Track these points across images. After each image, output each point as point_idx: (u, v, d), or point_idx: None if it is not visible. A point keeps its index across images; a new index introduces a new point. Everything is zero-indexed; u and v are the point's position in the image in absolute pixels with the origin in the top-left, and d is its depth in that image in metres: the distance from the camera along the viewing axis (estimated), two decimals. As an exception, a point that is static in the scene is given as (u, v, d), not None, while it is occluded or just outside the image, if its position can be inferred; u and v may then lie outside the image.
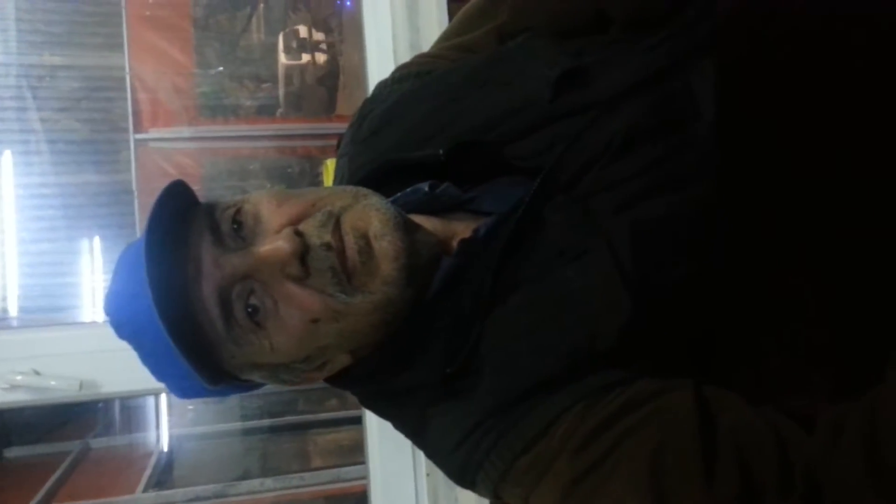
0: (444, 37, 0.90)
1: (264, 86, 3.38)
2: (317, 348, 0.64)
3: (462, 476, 0.64)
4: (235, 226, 0.62)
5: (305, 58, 3.32)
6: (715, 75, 0.64)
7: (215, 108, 3.26)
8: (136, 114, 2.96)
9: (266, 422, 2.74)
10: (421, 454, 1.36)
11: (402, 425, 0.71)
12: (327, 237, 0.60)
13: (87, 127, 2.96)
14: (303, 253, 0.59)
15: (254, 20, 3.41)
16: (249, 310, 0.61)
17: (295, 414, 2.81)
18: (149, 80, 3.02)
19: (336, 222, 0.61)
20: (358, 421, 1.52)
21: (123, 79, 2.95)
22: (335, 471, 2.13)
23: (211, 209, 0.64)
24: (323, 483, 2.12)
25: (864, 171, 0.65)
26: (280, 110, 3.29)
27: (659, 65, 0.66)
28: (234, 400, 2.82)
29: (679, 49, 0.67)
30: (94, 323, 2.00)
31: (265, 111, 3.29)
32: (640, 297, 0.59)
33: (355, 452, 2.54)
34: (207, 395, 0.68)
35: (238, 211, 0.63)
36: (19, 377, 1.23)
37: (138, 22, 3.00)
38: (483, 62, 0.77)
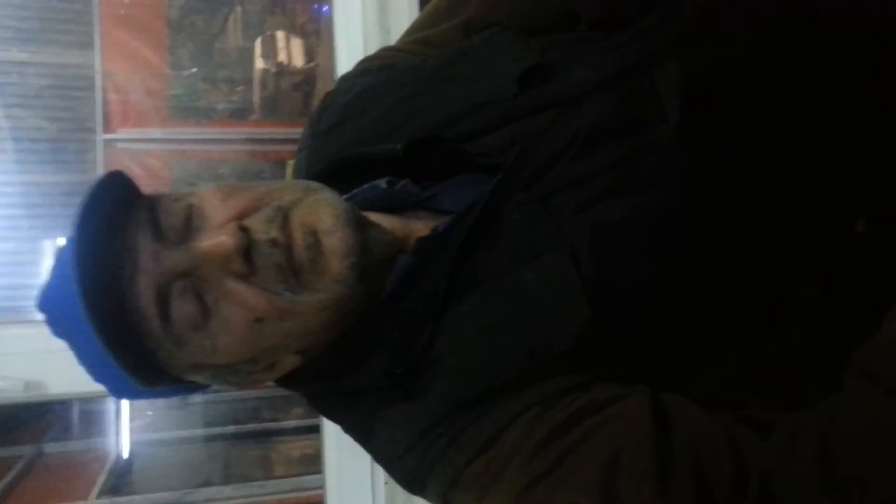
0: (411, 30, 0.90)
1: (238, 89, 3.36)
2: (262, 349, 0.61)
3: (411, 482, 0.62)
4: (178, 220, 0.60)
5: (282, 62, 3.30)
6: (680, 78, 0.63)
7: (187, 110, 3.23)
8: (106, 114, 2.92)
9: (230, 428, 2.70)
10: (377, 462, 1.33)
11: (350, 428, 0.69)
12: (274, 233, 0.58)
13: (55, 125, 2.92)
14: (247, 248, 0.57)
15: (230, 23, 3.39)
16: (189, 307, 0.58)
17: (259, 421, 2.77)
18: (120, 80, 2.98)
19: (284, 217, 0.59)
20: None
21: (94, 78, 2.92)
22: (295, 479, 2.10)
23: (153, 202, 0.61)
24: (283, 492, 2.08)
25: (825, 172, 0.64)
26: (254, 115, 3.27)
27: (625, 64, 0.66)
28: (197, 406, 2.77)
29: (645, 49, 0.66)
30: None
31: (238, 115, 3.27)
32: (599, 300, 0.58)
33: (319, 461, 2.51)
34: (147, 397, 0.65)
35: (184, 205, 0.60)
36: (-40, 376, 1.19)
37: (111, 21, 2.98)
38: (448, 56, 0.76)
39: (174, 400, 2.73)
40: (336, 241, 0.59)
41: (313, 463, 2.61)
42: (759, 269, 0.64)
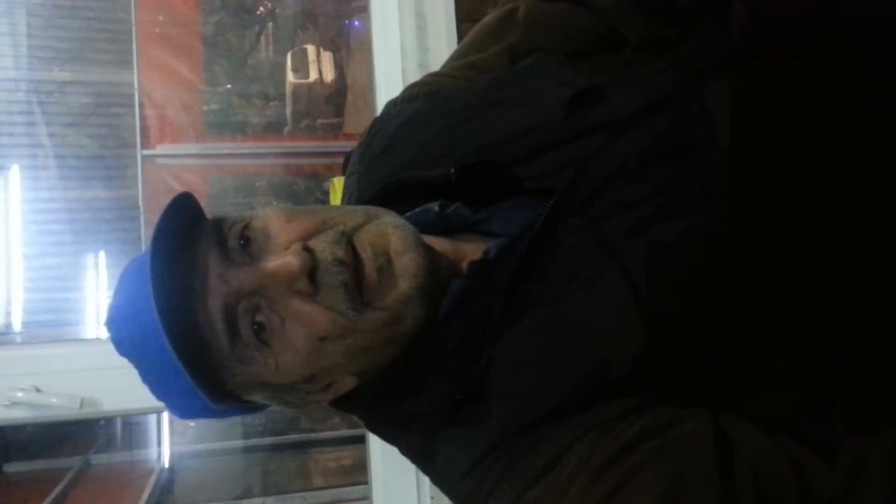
0: (455, 56, 0.90)
1: (272, 104, 3.40)
2: (323, 368, 0.62)
3: None
4: (243, 241, 0.61)
5: (313, 76, 3.33)
6: (729, 99, 0.63)
7: (223, 126, 3.28)
8: (144, 130, 2.97)
9: (268, 440, 2.72)
10: (425, 477, 1.34)
11: (407, 451, 0.70)
12: (340, 253, 0.59)
13: (95, 142, 2.97)
14: (312, 269, 0.58)
15: (262, 38, 3.43)
16: (255, 327, 0.59)
17: (297, 432, 2.79)
18: (157, 97, 3.03)
19: (348, 241, 0.60)
20: (361, 440, 1.50)
21: (132, 95, 2.97)
22: (336, 490, 2.11)
23: (219, 224, 0.63)
24: (325, 503, 2.10)
25: (879, 197, 0.64)
26: (287, 128, 3.30)
27: (673, 86, 0.66)
28: (236, 417, 2.79)
29: (693, 71, 0.66)
30: (96, 339, 1.99)
31: (272, 129, 3.30)
32: (655, 324, 0.57)
33: (357, 472, 2.52)
34: (208, 416, 0.66)
35: (246, 226, 0.62)
36: (20, 394, 1.22)
37: (148, 39, 3.03)
38: (494, 82, 0.77)
39: (213, 411, 2.76)
40: (408, 261, 0.60)
41: (352, 474, 2.63)
42: (812, 288, 0.63)
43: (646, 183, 0.62)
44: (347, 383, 0.66)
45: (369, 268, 0.59)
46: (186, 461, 2.69)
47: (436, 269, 0.63)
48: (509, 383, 0.60)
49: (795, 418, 0.61)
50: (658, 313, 0.58)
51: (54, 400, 1.22)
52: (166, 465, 2.64)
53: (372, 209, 0.66)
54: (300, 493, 2.15)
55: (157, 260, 0.57)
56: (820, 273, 0.62)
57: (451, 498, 0.66)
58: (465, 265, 0.67)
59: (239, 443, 2.71)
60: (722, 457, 0.53)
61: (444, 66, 0.90)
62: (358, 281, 0.59)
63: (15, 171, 2.73)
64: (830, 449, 0.54)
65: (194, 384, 0.58)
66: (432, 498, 1.34)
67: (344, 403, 0.69)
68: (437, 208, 0.70)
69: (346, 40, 3.45)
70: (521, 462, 0.58)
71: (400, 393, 0.64)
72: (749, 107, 0.63)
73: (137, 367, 0.63)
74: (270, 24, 3.38)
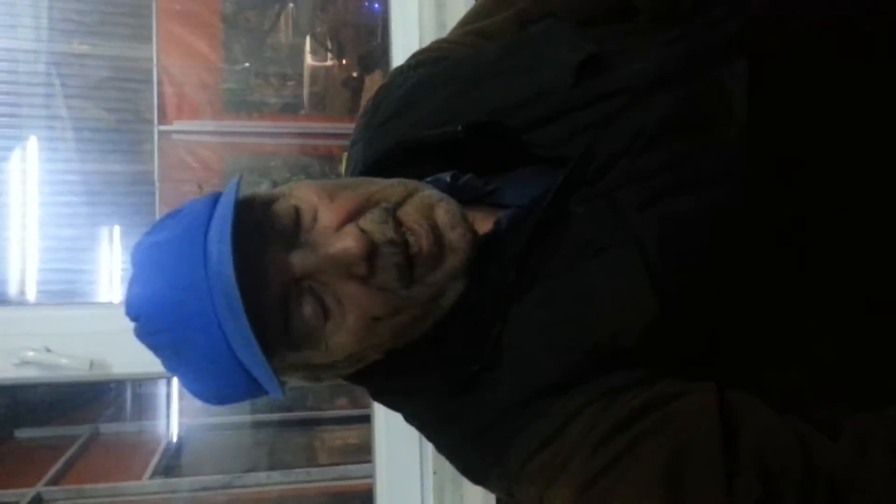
0: (464, 22, 0.89)
1: (289, 84, 3.40)
2: (369, 346, 0.62)
3: (474, 473, 0.63)
4: (286, 222, 0.60)
5: (331, 59, 3.33)
6: (747, 76, 0.62)
7: (240, 104, 3.28)
8: (162, 106, 2.99)
9: (276, 416, 2.74)
10: (428, 452, 1.35)
11: (413, 419, 0.70)
12: (391, 234, 0.59)
13: (113, 116, 2.99)
14: (370, 253, 0.58)
15: (282, 19, 3.43)
16: (311, 311, 0.58)
17: (304, 409, 2.81)
18: (176, 73, 3.04)
19: (394, 218, 0.60)
20: (366, 419, 1.51)
21: (151, 70, 2.98)
22: (342, 468, 2.13)
23: (249, 205, 0.61)
24: (329, 480, 2.11)
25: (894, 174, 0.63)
26: (304, 110, 3.30)
27: (686, 58, 0.65)
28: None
29: (707, 45, 0.65)
30: (108, 304, 2.01)
31: (289, 109, 3.31)
32: (666, 296, 0.57)
33: (362, 451, 2.54)
34: (248, 398, 0.64)
35: (287, 206, 0.60)
36: (31, 353, 1.23)
37: (168, 15, 3.04)
38: (503, 48, 0.76)
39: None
40: (458, 235, 0.60)
41: (356, 453, 2.64)
42: (823, 270, 0.63)
43: (661, 155, 0.61)
44: (375, 358, 0.65)
45: (426, 242, 0.59)
46: (194, 433, 2.72)
47: (476, 241, 0.62)
48: (520, 353, 0.60)
49: (805, 400, 0.61)
50: (668, 286, 0.58)
51: (64, 360, 1.23)
52: (174, 437, 2.66)
53: (409, 182, 0.65)
54: (305, 469, 2.16)
55: (227, 248, 0.54)
56: (833, 253, 0.62)
57: (455, 465, 0.66)
58: (478, 236, 0.66)
59: (247, 417, 2.74)
60: (726, 430, 0.53)
61: (451, 33, 0.89)
62: (409, 258, 0.59)
63: (33, 142, 2.76)
64: (837, 428, 0.54)
65: (268, 371, 0.56)
66: (434, 473, 1.34)
67: (358, 377, 0.68)
68: (448, 179, 0.69)
69: (368, 23, 3.44)
70: (527, 430, 0.58)
71: (417, 366, 0.65)
72: (766, 82, 0.62)
73: (174, 357, 0.61)
74: (290, 5, 3.37)
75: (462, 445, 0.63)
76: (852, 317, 0.62)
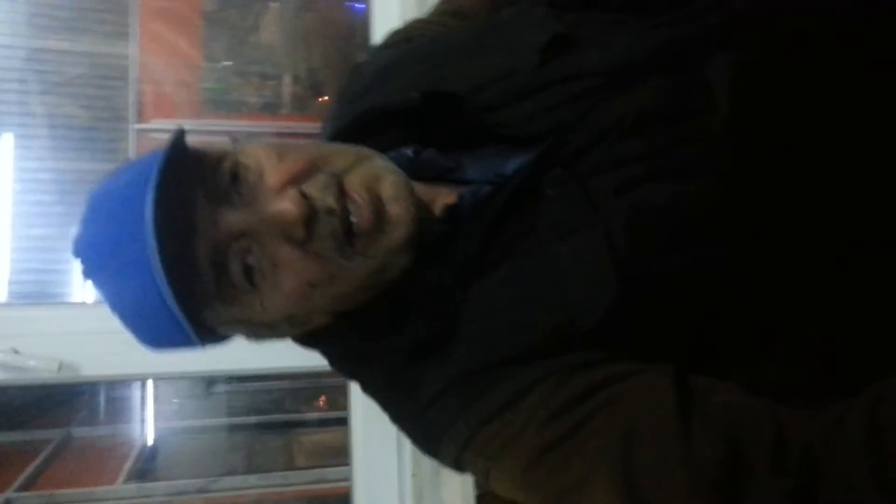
0: (441, 3, 0.91)
1: (270, 83, 3.38)
2: (306, 310, 0.63)
3: (426, 441, 0.63)
4: (233, 179, 0.60)
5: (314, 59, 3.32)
6: (730, 69, 0.62)
7: (219, 103, 3.26)
8: (140, 104, 2.95)
9: (252, 419, 2.71)
10: (407, 454, 1.33)
11: (369, 387, 0.70)
12: (331, 201, 0.58)
13: (89, 114, 2.95)
14: (309, 218, 0.58)
15: (264, 18, 3.41)
16: (245, 269, 0.59)
17: (282, 412, 2.79)
18: (155, 71, 3.01)
19: (338, 184, 0.59)
20: (344, 422, 1.49)
21: (128, 68, 2.95)
22: (319, 471, 2.11)
23: (199, 158, 0.61)
24: (306, 483, 2.10)
25: (876, 175, 0.63)
26: (284, 109, 3.29)
27: (665, 48, 0.65)
28: (221, 395, 2.79)
29: (689, 36, 0.65)
30: (79, 304, 1.97)
31: (269, 108, 3.29)
32: (629, 283, 0.58)
33: (340, 454, 2.51)
34: (182, 347, 0.65)
35: (235, 163, 0.60)
36: (-2, 354, 1.20)
37: (148, 12, 3.01)
38: (475, 28, 0.76)
39: (198, 388, 2.76)
40: (401, 209, 0.60)
41: (334, 455, 2.63)
42: (802, 266, 0.63)
43: (639, 143, 0.61)
44: (322, 321, 0.66)
45: (365, 214, 0.59)
46: (169, 437, 2.69)
47: (420, 216, 0.62)
48: (479, 326, 0.60)
49: (779, 398, 0.61)
50: (634, 272, 0.58)
51: (32, 362, 1.21)
52: (149, 441, 2.63)
53: (363, 150, 0.65)
54: (282, 473, 2.14)
55: (155, 200, 0.55)
56: (810, 249, 0.62)
57: (408, 436, 0.66)
58: (437, 210, 0.67)
59: (223, 420, 2.71)
60: (684, 401, 0.53)
61: (429, 14, 0.91)
62: (348, 228, 0.59)
63: (6, 139, 2.71)
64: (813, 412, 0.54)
65: (183, 323, 0.57)
66: (414, 475, 1.33)
67: (308, 339, 0.69)
68: (410, 153, 0.69)
69: (351, 23, 3.43)
70: (479, 400, 0.58)
71: (370, 331, 0.65)
72: (749, 77, 0.62)
73: (112, 296, 0.62)
74: (272, 3, 3.36)
75: (414, 415, 0.63)
76: (837, 313, 0.63)
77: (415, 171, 0.68)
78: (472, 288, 0.61)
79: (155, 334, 0.62)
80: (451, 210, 0.66)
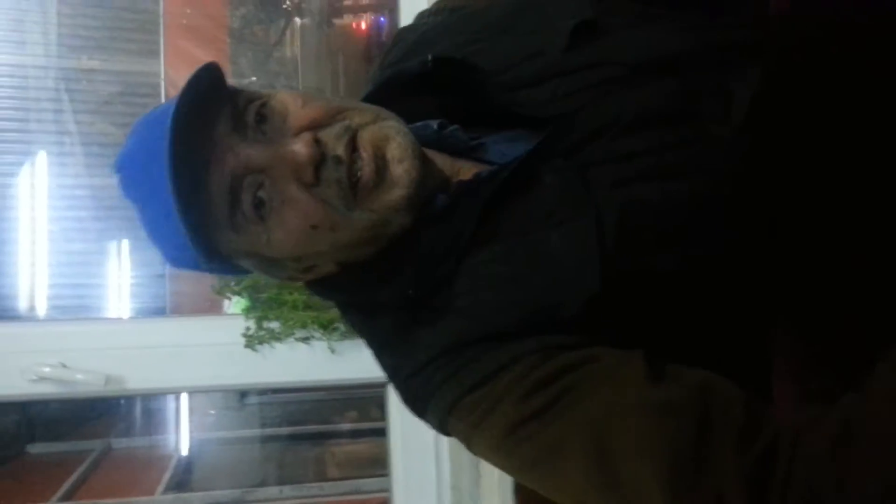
0: None
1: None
2: (309, 252, 0.66)
3: (414, 403, 0.66)
4: (258, 118, 0.63)
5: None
6: (758, 84, 0.63)
7: (246, 118, 3.29)
8: (170, 120, 2.99)
9: (285, 430, 2.73)
10: (445, 466, 1.34)
11: (370, 341, 0.72)
12: (340, 150, 0.61)
13: (121, 131, 3.00)
14: (318, 162, 0.61)
15: (288, 34, 3.46)
16: (256, 202, 0.62)
17: (315, 423, 2.80)
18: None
19: (352, 137, 0.62)
20: (378, 433, 1.51)
21: (158, 85, 3.00)
22: (354, 482, 2.12)
23: (235, 95, 0.64)
24: (341, 494, 2.11)
25: (882, 181, 0.64)
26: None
27: (693, 49, 0.66)
28: (254, 407, 2.82)
29: (715, 44, 0.66)
30: (121, 319, 2.01)
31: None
32: (613, 276, 0.59)
33: (373, 465, 2.53)
34: (197, 269, 0.70)
35: (263, 104, 0.64)
36: (47, 369, 1.23)
37: (175, 30, 3.05)
38: (513, 6, 0.77)
39: (232, 400, 2.78)
40: (402, 170, 0.62)
41: (367, 466, 2.64)
42: (797, 268, 0.64)
43: (641, 139, 0.63)
44: (328, 269, 0.69)
45: (368, 168, 0.62)
46: (204, 448, 2.71)
47: (427, 182, 0.65)
48: (466, 300, 0.63)
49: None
50: (619, 268, 0.60)
51: (80, 376, 1.24)
52: (185, 452, 2.66)
53: (383, 111, 0.67)
54: (318, 483, 2.15)
55: (178, 121, 0.59)
56: (807, 256, 0.63)
57: (399, 394, 0.69)
58: (454, 184, 0.69)
59: (256, 432, 2.73)
60: (657, 377, 0.55)
61: None
62: (353, 180, 0.62)
63: (42, 158, 2.76)
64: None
65: (191, 241, 0.61)
66: (452, 488, 1.34)
67: (320, 288, 0.73)
68: (435, 126, 0.71)
69: (377, 38, 3.46)
70: (463, 371, 0.61)
71: (369, 283, 0.68)
72: (773, 91, 0.63)
73: (140, 211, 0.66)
74: (297, 19, 3.39)
75: (407, 375, 0.66)
76: (830, 319, 0.65)
77: (439, 143, 0.71)
78: (466, 261, 0.64)
79: (174, 250, 0.66)
80: (461, 185, 0.68)
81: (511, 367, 0.59)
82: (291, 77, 3.47)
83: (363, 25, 3.20)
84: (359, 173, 0.62)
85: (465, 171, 0.70)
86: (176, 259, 0.68)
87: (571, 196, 0.62)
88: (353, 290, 0.70)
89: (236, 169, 0.62)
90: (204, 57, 3.11)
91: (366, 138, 0.63)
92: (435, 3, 0.86)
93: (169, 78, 3.00)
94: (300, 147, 0.60)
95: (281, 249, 0.65)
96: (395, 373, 0.68)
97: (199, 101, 0.61)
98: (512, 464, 0.61)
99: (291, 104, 0.64)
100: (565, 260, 0.61)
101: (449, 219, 0.65)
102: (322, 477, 2.54)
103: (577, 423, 0.55)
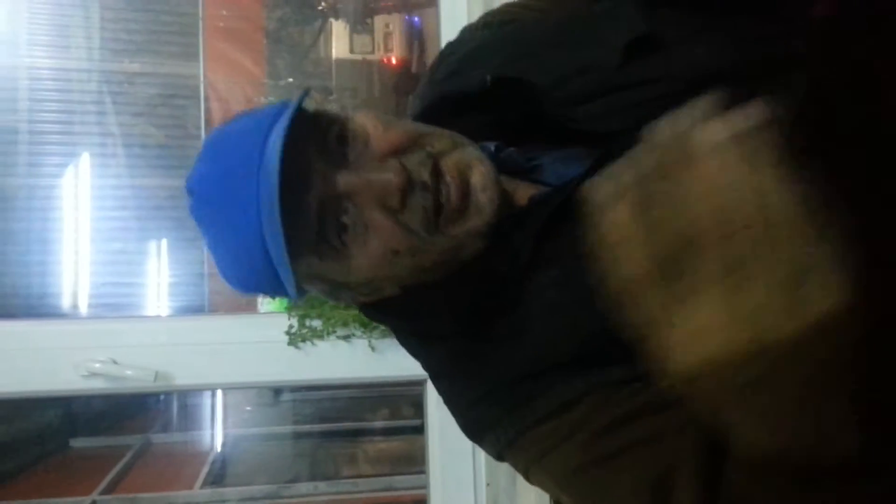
0: None
1: (331, 98, 3.45)
2: (386, 276, 0.66)
3: (472, 433, 0.66)
4: (340, 140, 0.63)
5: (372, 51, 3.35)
6: (803, 92, 0.62)
7: (283, 119, 3.32)
8: (209, 121, 3.05)
9: (318, 426, 2.76)
10: (481, 463, 1.36)
11: (427, 367, 0.72)
12: (426, 177, 0.62)
13: (162, 132, 3.05)
14: (406, 189, 0.61)
15: (323, 34, 3.49)
16: (339, 227, 0.62)
17: (349, 420, 2.83)
18: (222, 90, 3.10)
19: (434, 164, 0.63)
20: (412, 430, 1.52)
21: (198, 87, 3.05)
22: (389, 479, 2.14)
23: (316, 118, 0.64)
24: (376, 490, 2.13)
25: None
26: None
27: (745, 58, 0.65)
28: (287, 404, 2.85)
29: (772, 49, 0.65)
30: (166, 317, 2.05)
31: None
32: None
33: (405, 462, 2.55)
34: (260, 293, 0.71)
35: (344, 126, 0.64)
36: (98, 365, 1.27)
37: (214, 32, 3.09)
38: (564, 20, 0.77)
39: (266, 397, 2.82)
40: (486, 199, 0.63)
41: (399, 464, 2.66)
42: None
43: None
44: (392, 291, 0.69)
45: (455, 195, 0.62)
46: (240, 443, 2.76)
47: (504, 209, 0.65)
48: (527, 328, 0.63)
49: None
50: None
51: (130, 372, 1.27)
52: (220, 448, 2.70)
53: (457, 136, 0.67)
54: (352, 479, 2.18)
55: (278, 139, 0.58)
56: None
57: (455, 419, 0.69)
58: (515, 204, 0.69)
59: (289, 428, 2.76)
60: (713, 451, 0.54)
61: None
62: (437, 206, 0.62)
63: (85, 159, 2.82)
64: None
65: (278, 263, 0.60)
66: (488, 485, 1.35)
67: (374, 311, 0.72)
68: (493, 148, 0.71)
69: (409, 37, 3.48)
70: (527, 405, 0.61)
71: (429, 308, 0.68)
72: (816, 95, 0.62)
73: (213, 233, 0.65)
74: (332, 20, 3.41)
75: (462, 405, 0.66)
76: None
77: (496, 165, 0.70)
78: (525, 286, 0.63)
79: (246, 275, 0.65)
80: (520, 208, 0.68)
81: (578, 405, 0.59)
82: (326, 77, 3.50)
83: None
84: (444, 200, 0.62)
85: (522, 192, 0.70)
86: (245, 282, 0.67)
87: None
88: (413, 315, 0.70)
89: (327, 194, 0.61)
90: (241, 59, 3.15)
91: (450, 164, 0.63)
92: (481, 18, 0.85)
93: (208, 80, 3.05)
94: (391, 175, 0.60)
95: (359, 274, 0.65)
96: (454, 403, 0.68)
97: (295, 124, 0.60)
98: (574, 501, 0.61)
99: (372, 128, 0.64)
100: None
101: (505, 245, 0.65)
102: (355, 473, 2.57)
103: (634, 489, 0.56)
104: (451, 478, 1.38)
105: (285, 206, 0.58)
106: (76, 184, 2.75)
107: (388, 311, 0.71)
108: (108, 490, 2.25)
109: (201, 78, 3.05)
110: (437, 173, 0.62)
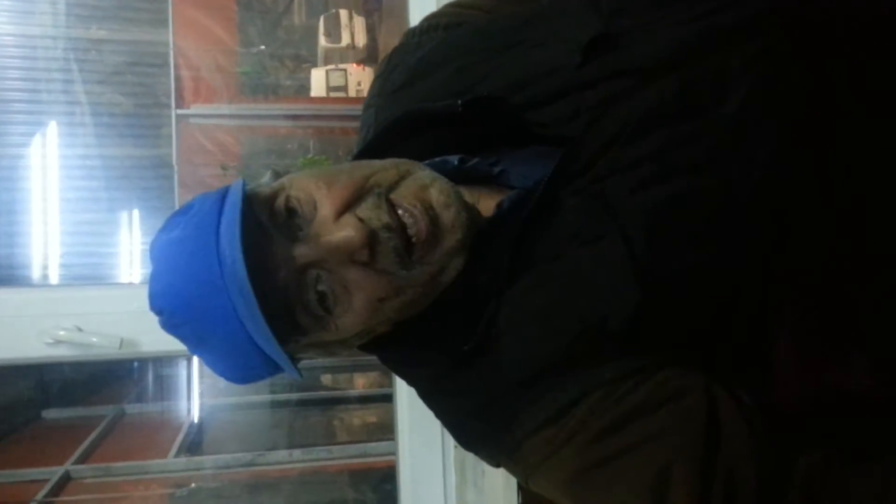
0: None
1: (304, 66, 3.41)
2: (376, 323, 0.64)
3: (468, 444, 0.66)
4: (289, 212, 0.61)
5: (345, 41, 3.33)
6: (755, 64, 0.61)
7: (255, 87, 3.30)
8: (179, 90, 3.01)
9: (294, 395, 2.77)
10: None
11: (417, 387, 0.72)
12: (386, 218, 0.60)
13: (131, 101, 3.01)
14: (369, 240, 0.60)
15: (295, 1, 3.44)
16: (318, 297, 0.61)
17: (324, 389, 2.85)
18: (192, 57, 3.06)
19: (388, 201, 0.61)
20: (385, 399, 1.54)
21: (167, 54, 3.00)
22: (362, 446, 2.16)
23: (252, 202, 0.62)
24: (350, 457, 2.15)
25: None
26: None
27: (698, 40, 0.64)
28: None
29: (721, 25, 0.64)
30: (133, 284, 2.04)
31: (303, 91, 3.32)
32: (651, 285, 0.58)
33: (380, 430, 2.57)
34: (262, 379, 0.67)
35: (287, 198, 0.62)
36: (62, 332, 1.26)
37: (184, -1, 3.04)
38: (516, 19, 0.75)
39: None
40: (452, 215, 0.62)
41: (374, 431, 2.68)
42: (820, 258, 0.62)
43: (647, 143, 0.62)
44: (384, 330, 0.67)
45: (422, 225, 0.60)
46: (216, 413, 2.76)
47: (474, 220, 0.64)
48: (515, 336, 0.62)
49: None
50: (655, 274, 0.59)
51: (95, 339, 1.25)
52: (196, 417, 2.71)
53: (400, 162, 0.66)
54: (326, 447, 2.20)
55: (236, 248, 0.56)
56: (824, 244, 0.62)
57: (452, 434, 0.68)
58: (482, 211, 0.67)
59: (266, 397, 2.77)
60: (710, 449, 0.56)
61: None
62: (407, 241, 0.61)
63: (53, 128, 2.78)
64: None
65: (283, 359, 0.59)
66: (455, 447, 1.36)
67: (369, 347, 0.71)
68: (456, 162, 0.70)
69: (379, 6, 3.44)
70: (523, 414, 0.60)
71: (417, 339, 0.67)
72: (772, 73, 0.62)
73: (198, 343, 0.63)
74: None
75: (458, 418, 0.66)
76: (856, 304, 0.63)
77: (459, 176, 0.69)
78: (505, 296, 0.62)
79: (243, 374, 0.65)
80: (489, 218, 0.67)
81: (574, 410, 0.59)
82: (298, 46, 3.46)
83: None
84: (413, 233, 0.60)
85: (486, 198, 0.68)
86: (248, 377, 0.65)
87: (594, 212, 0.61)
88: (407, 349, 0.69)
89: (290, 272, 0.60)
90: (212, 26, 3.11)
91: (405, 195, 0.61)
92: (424, 20, 0.82)
93: (177, 47, 3.01)
94: (349, 232, 0.59)
95: (350, 330, 0.64)
96: (448, 417, 0.68)
97: (240, 217, 0.58)
98: (574, 502, 0.61)
99: (315, 190, 0.62)
100: (599, 276, 0.60)
101: (483, 258, 0.64)
102: (331, 441, 2.59)
103: (638, 490, 0.57)
104: (420, 444, 1.39)
105: (264, 308, 0.56)
106: (44, 153, 2.71)
107: (384, 346, 0.70)
108: (82, 460, 2.25)
109: (170, 45, 3.01)
110: (394, 209, 0.61)
